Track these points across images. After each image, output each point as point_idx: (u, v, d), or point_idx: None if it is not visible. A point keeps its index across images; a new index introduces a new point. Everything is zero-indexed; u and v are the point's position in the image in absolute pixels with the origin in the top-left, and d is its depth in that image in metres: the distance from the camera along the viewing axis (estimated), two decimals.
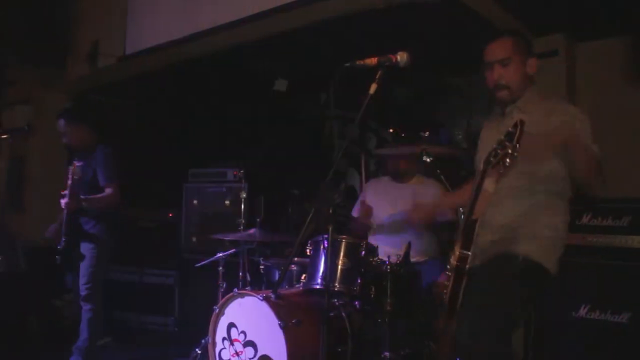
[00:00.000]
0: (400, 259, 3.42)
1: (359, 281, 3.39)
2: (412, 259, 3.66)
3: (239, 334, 3.53)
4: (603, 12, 4.01)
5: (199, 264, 4.48)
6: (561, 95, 4.42)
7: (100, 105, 6.42)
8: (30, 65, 5.89)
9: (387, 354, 3.36)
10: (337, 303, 3.55)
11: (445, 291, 2.48)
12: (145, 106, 6.50)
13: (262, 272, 4.24)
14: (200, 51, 4.96)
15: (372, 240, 4.06)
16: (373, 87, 2.38)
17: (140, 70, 5.58)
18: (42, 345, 4.71)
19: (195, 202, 5.76)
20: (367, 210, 4.29)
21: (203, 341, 3.93)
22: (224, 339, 3.61)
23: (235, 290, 3.63)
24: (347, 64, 2.42)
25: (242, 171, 5.30)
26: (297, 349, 3.23)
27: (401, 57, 2.42)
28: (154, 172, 6.15)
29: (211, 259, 4.38)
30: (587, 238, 3.57)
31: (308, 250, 3.61)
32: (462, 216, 2.53)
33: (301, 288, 3.62)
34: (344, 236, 3.50)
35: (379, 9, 3.86)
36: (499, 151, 2.18)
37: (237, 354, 3.51)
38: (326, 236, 3.35)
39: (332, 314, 3.42)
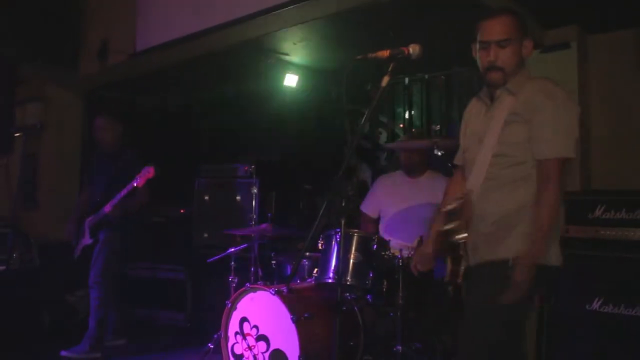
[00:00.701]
0: (412, 252, 3.42)
1: (371, 275, 3.41)
2: None
3: (251, 329, 3.55)
4: (614, 4, 3.97)
5: (211, 259, 4.49)
6: (572, 87, 4.41)
7: (112, 102, 6.46)
8: (42, 63, 5.92)
9: (399, 347, 3.37)
10: (349, 297, 3.57)
11: None
12: (156, 102, 6.52)
13: (273, 266, 4.25)
14: (211, 47, 4.96)
15: (384, 234, 4.06)
16: (385, 80, 2.37)
17: (151, 66, 5.59)
18: (55, 340, 4.74)
19: (206, 197, 5.78)
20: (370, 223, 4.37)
21: (215, 336, 3.95)
22: (236, 333, 3.63)
23: (248, 284, 3.65)
24: (360, 57, 2.40)
25: (253, 167, 5.33)
26: (309, 342, 3.25)
27: (413, 49, 2.40)
28: (166, 168, 6.16)
29: (223, 254, 4.39)
30: (600, 231, 3.54)
31: (320, 245, 3.62)
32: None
33: (313, 282, 3.63)
34: (356, 230, 3.51)
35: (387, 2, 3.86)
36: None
37: (249, 348, 3.53)
38: (338, 230, 3.37)
39: (344, 308, 3.43)
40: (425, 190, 4.11)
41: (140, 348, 4.84)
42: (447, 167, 4.40)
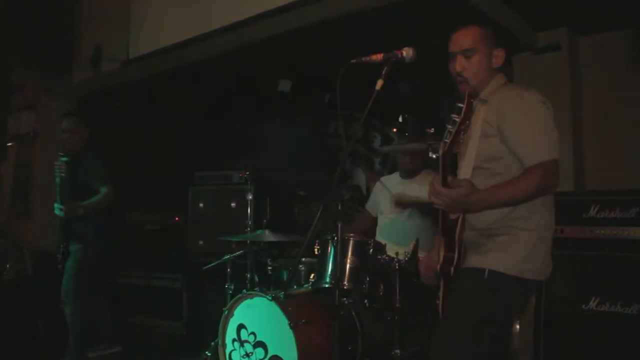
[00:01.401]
0: (409, 255, 3.42)
1: (367, 279, 3.40)
2: (420, 256, 3.66)
3: (248, 335, 3.53)
4: (605, 5, 3.99)
5: (207, 267, 4.47)
6: (564, 88, 4.44)
7: (105, 110, 6.43)
8: (35, 71, 5.91)
9: (397, 351, 3.36)
10: (346, 301, 3.56)
11: (438, 302, 2.39)
12: (150, 109, 6.51)
13: (270, 272, 4.25)
14: (204, 53, 4.96)
15: (380, 237, 4.07)
16: (379, 83, 2.37)
17: (145, 73, 5.57)
18: (50, 350, 4.71)
19: (201, 205, 5.76)
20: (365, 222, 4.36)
21: (213, 343, 3.93)
22: (234, 340, 3.62)
23: (244, 291, 3.64)
24: (353, 61, 2.40)
25: (247, 173, 5.32)
26: (307, 348, 3.24)
27: (407, 52, 2.41)
28: (160, 175, 6.16)
29: (219, 261, 4.36)
30: (595, 230, 3.56)
31: (316, 250, 3.62)
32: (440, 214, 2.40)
33: (310, 288, 3.62)
34: (352, 234, 3.50)
35: (381, 6, 3.86)
36: (450, 130, 2.12)
37: (247, 355, 3.51)
38: (334, 235, 3.37)
39: (341, 313, 3.42)
40: (419, 191, 4.12)
41: (136, 356, 4.82)
42: None
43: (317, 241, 3.62)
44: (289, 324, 3.22)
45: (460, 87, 2.44)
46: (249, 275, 4.30)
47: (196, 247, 5.71)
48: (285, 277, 4.17)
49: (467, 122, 2.12)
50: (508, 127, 2.30)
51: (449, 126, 2.13)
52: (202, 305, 5.43)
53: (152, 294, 5.76)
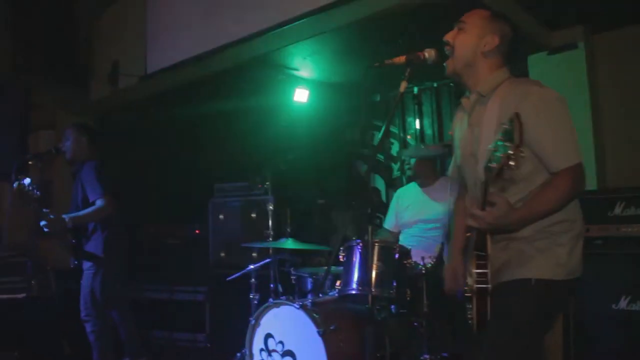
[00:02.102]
0: (434, 260, 3.41)
1: (394, 284, 3.38)
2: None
3: (276, 344, 3.53)
4: (619, 1, 3.97)
5: (230, 277, 4.46)
6: (582, 87, 4.42)
7: (124, 125, 6.48)
8: (53, 90, 5.96)
9: (426, 356, 3.34)
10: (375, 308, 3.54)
11: (470, 316, 2.26)
12: (168, 123, 6.55)
13: (293, 282, 4.24)
14: (221, 65, 5.00)
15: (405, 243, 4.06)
16: (403, 85, 2.37)
17: (162, 88, 5.63)
18: None
19: (221, 216, 5.78)
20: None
21: (239, 354, 3.93)
22: (261, 350, 3.61)
23: (271, 300, 3.64)
24: (377, 64, 2.39)
25: (267, 184, 5.34)
26: (336, 355, 3.23)
27: (429, 54, 2.40)
28: (180, 188, 6.18)
29: (242, 271, 4.35)
30: (622, 228, 3.52)
31: (341, 257, 3.60)
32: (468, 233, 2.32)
33: (336, 295, 3.61)
34: (377, 240, 3.49)
35: (394, 10, 3.87)
36: (498, 154, 1.88)
37: None
38: (359, 241, 3.37)
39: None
40: (439, 199, 4.12)
41: None
42: None
43: (341, 248, 3.60)
44: (318, 332, 3.22)
45: (447, 64, 2.40)
46: (272, 285, 4.29)
47: (218, 259, 5.72)
48: (309, 286, 4.16)
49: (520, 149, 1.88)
50: (530, 130, 2.12)
51: (492, 147, 1.92)
52: (225, 317, 5.43)
53: (175, 307, 5.77)
